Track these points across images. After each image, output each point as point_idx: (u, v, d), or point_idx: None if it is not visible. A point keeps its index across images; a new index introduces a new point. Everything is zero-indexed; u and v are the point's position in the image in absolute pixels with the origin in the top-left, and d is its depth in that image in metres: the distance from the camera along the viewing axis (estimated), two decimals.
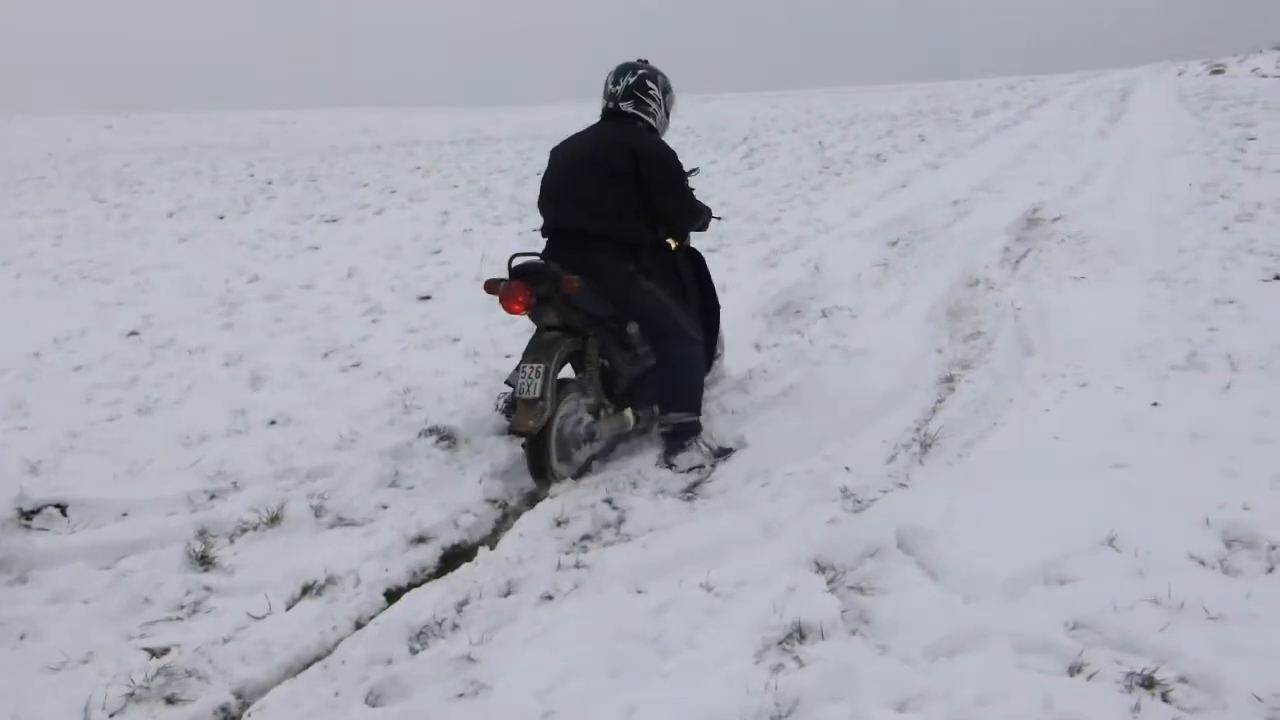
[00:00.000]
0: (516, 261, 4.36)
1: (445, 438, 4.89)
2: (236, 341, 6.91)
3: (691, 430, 4.65)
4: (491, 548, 3.79)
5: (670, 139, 4.88)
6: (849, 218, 9.82)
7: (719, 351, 5.51)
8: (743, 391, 5.29)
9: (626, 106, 4.61)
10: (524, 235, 10.28)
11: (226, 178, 18.60)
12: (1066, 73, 42.30)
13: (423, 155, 21.64)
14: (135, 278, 9.46)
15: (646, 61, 4.72)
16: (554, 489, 4.26)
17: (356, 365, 6.20)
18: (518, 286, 4.21)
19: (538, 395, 4.13)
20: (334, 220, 12.64)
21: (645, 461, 4.49)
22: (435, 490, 4.35)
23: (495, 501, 4.24)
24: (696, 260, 5.16)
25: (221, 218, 13.52)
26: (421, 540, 3.89)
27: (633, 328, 4.77)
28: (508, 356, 6.16)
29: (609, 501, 4.07)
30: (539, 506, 4.06)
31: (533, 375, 4.17)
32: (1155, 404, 4.63)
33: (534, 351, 4.29)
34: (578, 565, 3.58)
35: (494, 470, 4.45)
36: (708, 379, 5.41)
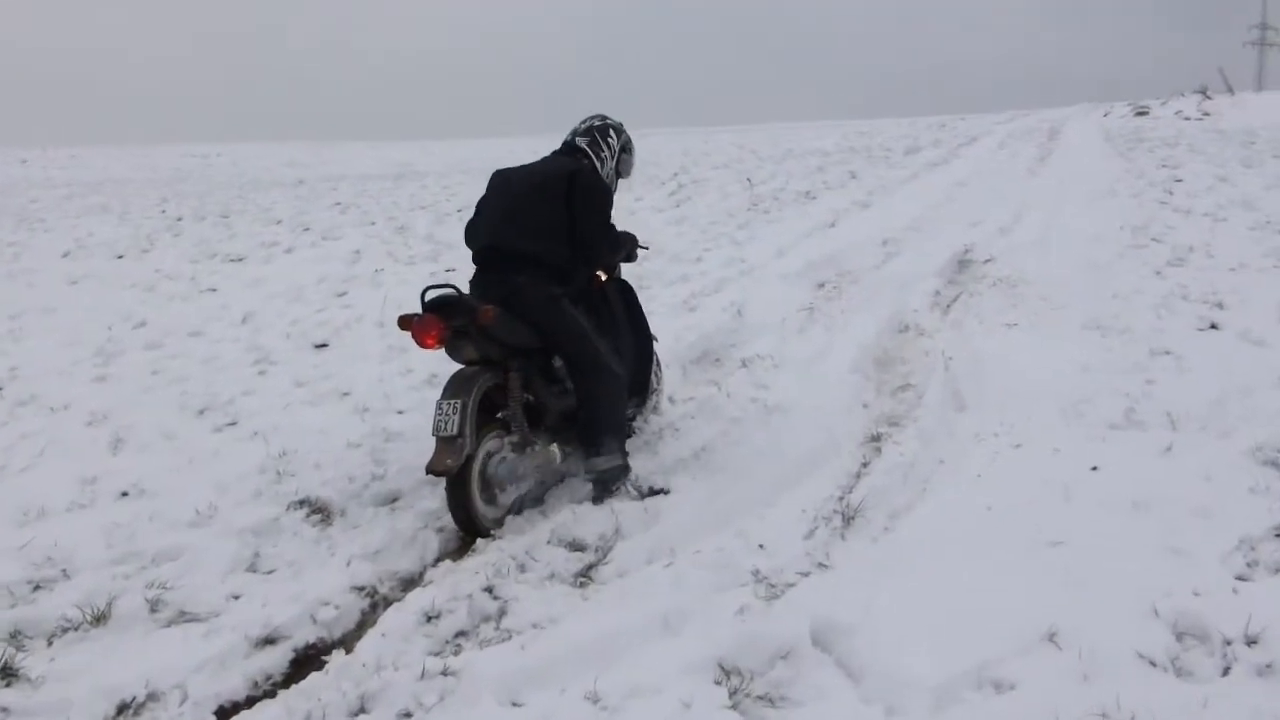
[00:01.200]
0: (430, 294, 4.13)
1: (317, 510, 4.37)
2: (105, 397, 6.30)
3: (619, 475, 4.40)
4: (348, 650, 3.27)
5: (630, 191, 4.77)
6: (775, 258, 9.47)
7: (655, 386, 5.21)
8: (651, 453, 4.84)
9: (581, 142, 4.74)
10: (436, 275, 9.78)
11: (135, 214, 17.83)
12: (996, 112, 42.95)
13: (345, 190, 21.06)
14: (11, 324, 8.79)
15: (621, 124, 4.89)
16: (429, 575, 3.76)
17: (232, 424, 5.64)
18: (430, 320, 4.01)
19: (455, 432, 3.88)
20: (239, 260, 12.02)
21: (536, 538, 4.00)
22: (297, 576, 3.82)
23: (363, 589, 3.71)
24: (626, 292, 5.00)
25: (120, 257, 12.83)
26: (270, 641, 3.35)
27: (558, 360, 4.54)
28: (400, 413, 5.65)
29: (489, 590, 3.57)
30: (409, 598, 3.55)
31: (450, 411, 3.93)
32: (1094, 468, 4.26)
33: (451, 387, 4.06)
34: (445, 672, 3.07)
35: (365, 551, 3.93)
36: (645, 416, 5.16)
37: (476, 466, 4.08)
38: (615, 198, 4.74)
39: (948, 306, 7.53)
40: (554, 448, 4.42)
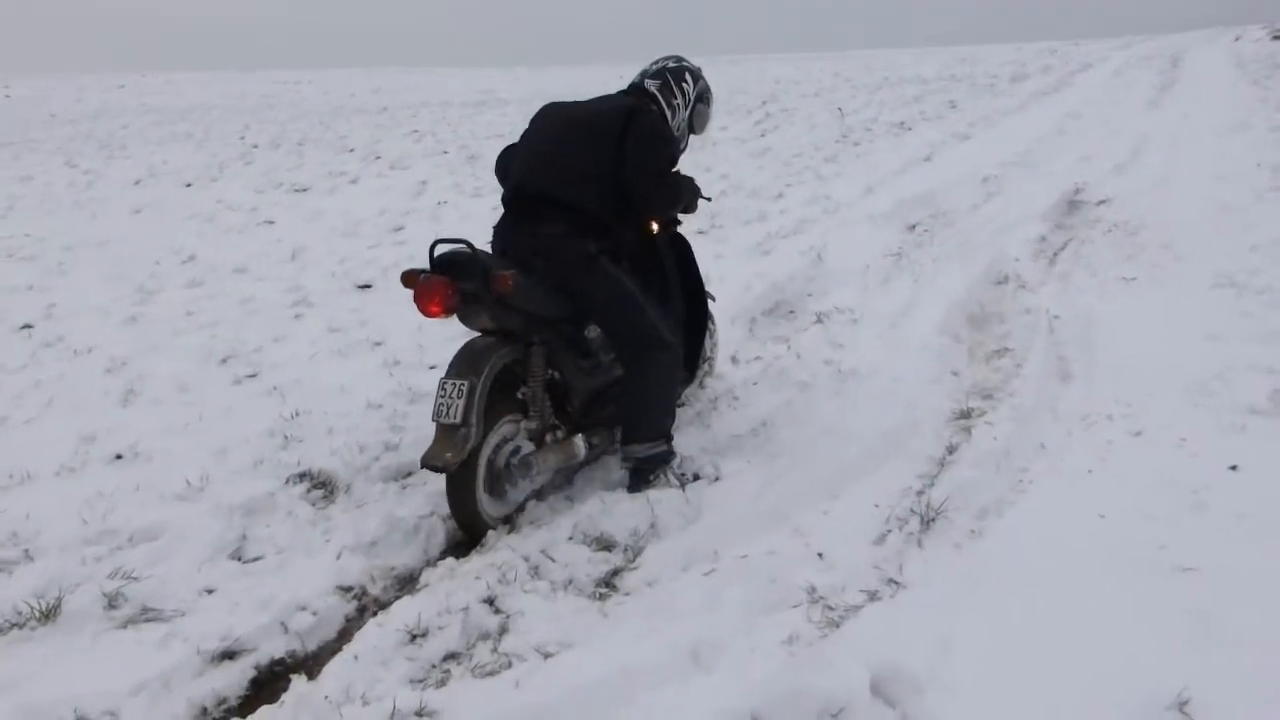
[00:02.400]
0: (439, 249, 3.41)
1: (319, 485, 3.88)
2: (132, 341, 5.91)
3: (659, 462, 3.78)
4: (311, 676, 2.76)
5: (702, 150, 4.02)
6: (863, 196, 8.67)
7: (707, 355, 4.52)
8: (703, 426, 4.23)
9: (650, 85, 4.03)
10: (497, 210, 9.20)
11: (214, 141, 17.65)
12: (1113, 37, 40.46)
13: (425, 118, 20.56)
14: (62, 256, 8.50)
15: (700, 69, 4.21)
16: (425, 576, 3.23)
17: (253, 376, 5.17)
18: (436, 283, 3.30)
19: (458, 420, 3.25)
20: (304, 190, 11.63)
21: (556, 532, 3.43)
22: (282, 567, 3.32)
23: (350, 590, 3.19)
24: (681, 248, 4.26)
25: (188, 185, 12.56)
26: (229, 656, 2.85)
27: (592, 331, 3.90)
28: (431, 368, 5.12)
29: (491, 602, 3.02)
30: (395, 608, 3.00)
31: (454, 394, 3.29)
32: (1233, 467, 3.53)
33: (459, 364, 3.40)
34: (421, 713, 2.54)
35: (360, 540, 3.41)
36: (692, 390, 4.49)
37: (483, 458, 3.44)
38: (684, 155, 4.03)
39: (1054, 256, 6.70)
40: (578, 439, 3.77)
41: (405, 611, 2.94)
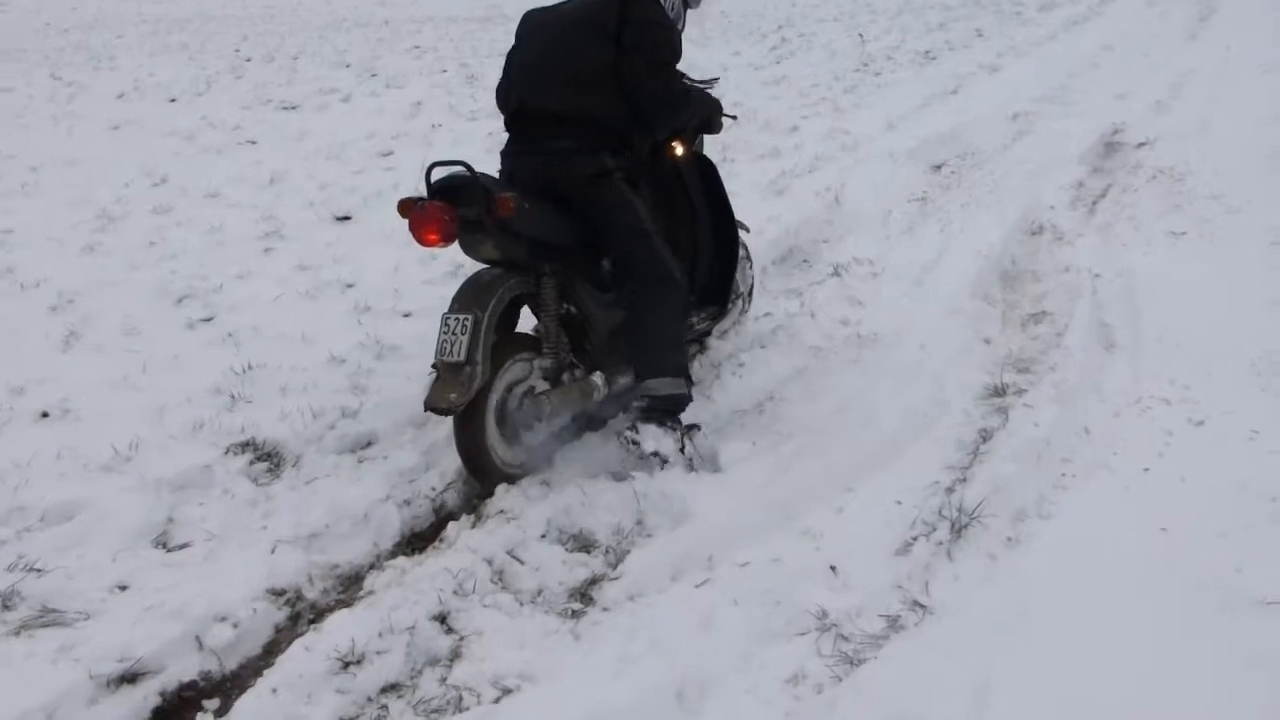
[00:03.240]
0: (436, 174, 3.12)
1: (265, 456, 3.42)
2: (85, 274, 5.41)
3: (677, 404, 3.40)
4: (225, 709, 2.32)
5: (699, 27, 3.48)
6: (884, 131, 8.06)
7: (739, 291, 4.15)
8: (703, 397, 3.74)
9: None
10: (492, 136, 8.64)
11: (208, 54, 16.90)
12: None
13: (428, 34, 19.73)
14: (27, 176, 7.94)
15: None
16: (371, 580, 2.78)
17: (208, 320, 4.68)
18: (433, 210, 3.03)
19: (462, 358, 3.00)
20: (292, 108, 11.00)
21: (528, 526, 2.96)
22: (209, 560, 2.88)
23: (283, 594, 2.75)
24: (707, 171, 3.92)
25: (172, 101, 11.92)
26: (129, 680, 2.41)
27: (610, 262, 3.58)
28: (406, 315, 4.63)
29: (443, 619, 2.57)
30: (327, 624, 2.56)
31: (457, 330, 3.04)
32: None
33: (462, 298, 3.16)
34: None
35: (300, 530, 2.96)
36: (725, 330, 4.17)
37: (494, 400, 3.18)
38: (686, 42, 3.59)
39: (1093, 204, 6.14)
40: (596, 377, 3.46)
41: (339, 631, 2.49)
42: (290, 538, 2.91)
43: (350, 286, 5.01)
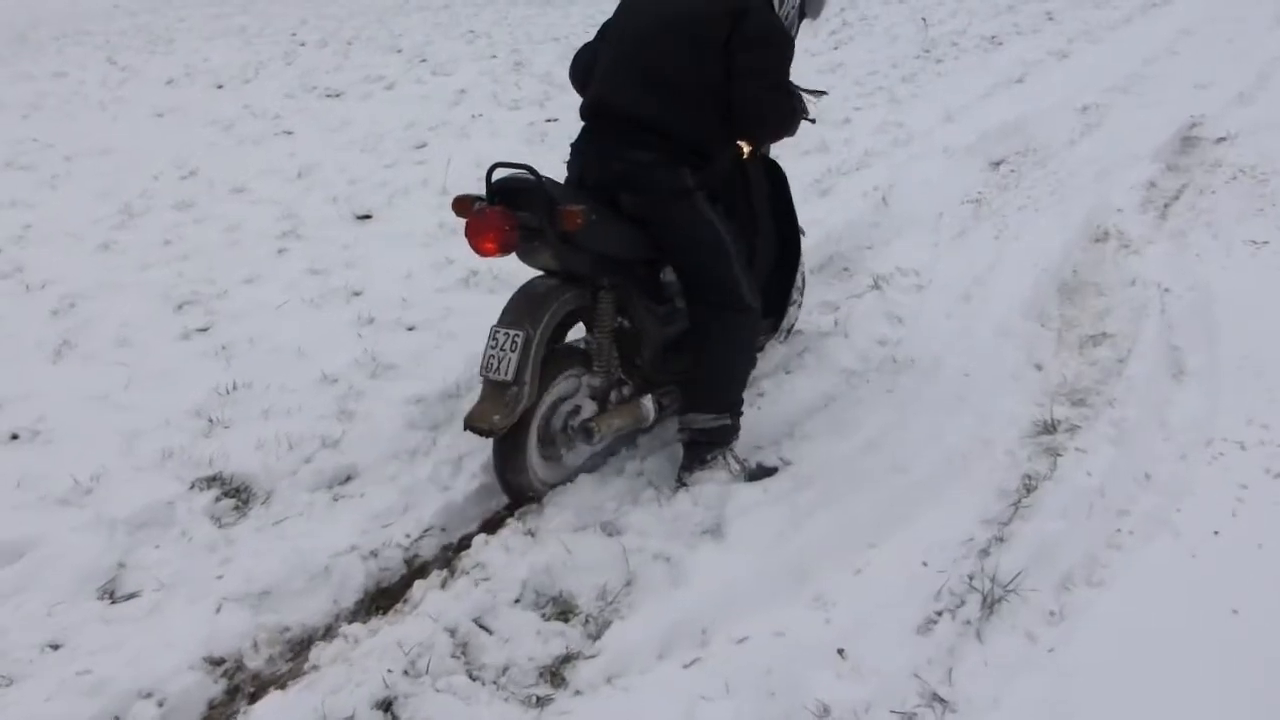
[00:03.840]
0: (497, 174, 2.90)
1: (233, 492, 3.15)
2: (94, 274, 5.22)
3: (722, 439, 3.19)
4: None
5: (815, 35, 3.24)
6: (942, 124, 7.57)
7: (795, 300, 3.86)
8: None
9: None
10: (533, 126, 8.35)
11: (265, 38, 16.84)
12: None
13: (487, 17, 19.48)
14: (59, 167, 7.84)
15: None
16: (317, 652, 2.48)
17: (204, 330, 4.44)
18: (493, 216, 2.80)
19: (509, 378, 2.81)
20: (336, 95, 10.80)
21: (502, 587, 2.64)
22: (153, 615, 2.62)
23: (221, 664, 2.46)
24: (775, 175, 3.68)
25: (219, 87, 11.82)
26: None
27: (668, 274, 3.35)
28: (410, 329, 4.34)
29: (386, 706, 2.26)
30: (257, 709, 2.27)
31: (507, 346, 2.84)
32: None
33: (514, 310, 2.94)
34: None
35: (247, 588, 2.66)
36: (778, 340, 3.88)
37: (537, 419, 3.01)
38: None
39: (1165, 207, 5.64)
40: (647, 401, 3.26)
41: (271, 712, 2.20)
42: (240, 594, 2.62)
43: (357, 295, 4.74)
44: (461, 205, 2.92)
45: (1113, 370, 3.73)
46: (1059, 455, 3.15)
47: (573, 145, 3.24)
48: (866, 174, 6.30)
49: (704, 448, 3.16)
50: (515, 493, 3.06)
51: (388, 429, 3.40)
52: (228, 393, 3.74)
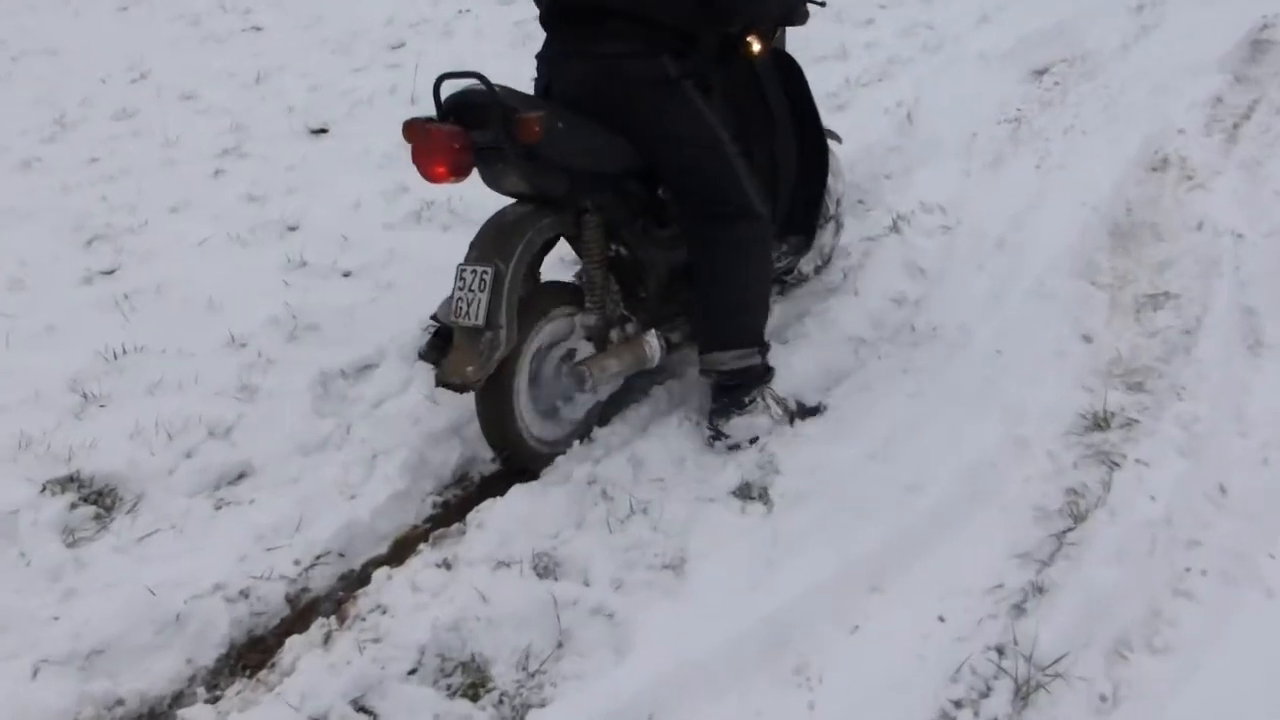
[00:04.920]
0: (446, 89, 2.47)
1: (94, 497, 2.58)
2: (9, 198, 4.60)
3: (754, 377, 2.75)
4: None
5: None
6: (976, 26, 6.73)
7: (829, 214, 3.48)
8: (684, 422, 2.79)
9: None
10: (522, 26, 7.55)
11: None
12: None
13: None
14: (9, 66, 7.16)
15: None
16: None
17: (109, 274, 3.83)
18: (439, 135, 2.41)
19: (481, 321, 2.40)
20: None
21: (392, 656, 2.06)
22: None
23: None
24: (791, 74, 3.19)
25: None
26: None
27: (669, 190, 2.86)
28: (345, 275, 3.73)
29: None
30: None
31: (475, 286, 2.43)
32: None
33: (480, 243, 2.54)
34: None
35: (78, 642, 2.10)
36: (813, 269, 3.53)
37: (524, 367, 2.61)
38: None
39: (1235, 128, 4.89)
40: (651, 337, 2.81)
41: None
42: (64, 655, 2.06)
43: (293, 230, 4.10)
44: (410, 128, 2.46)
45: (1177, 345, 3.08)
46: (1114, 466, 2.53)
47: (537, 56, 2.80)
48: (889, 86, 5.54)
49: (739, 390, 2.72)
50: (507, 456, 2.68)
51: (293, 414, 2.80)
52: (115, 358, 3.15)
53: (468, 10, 8.46)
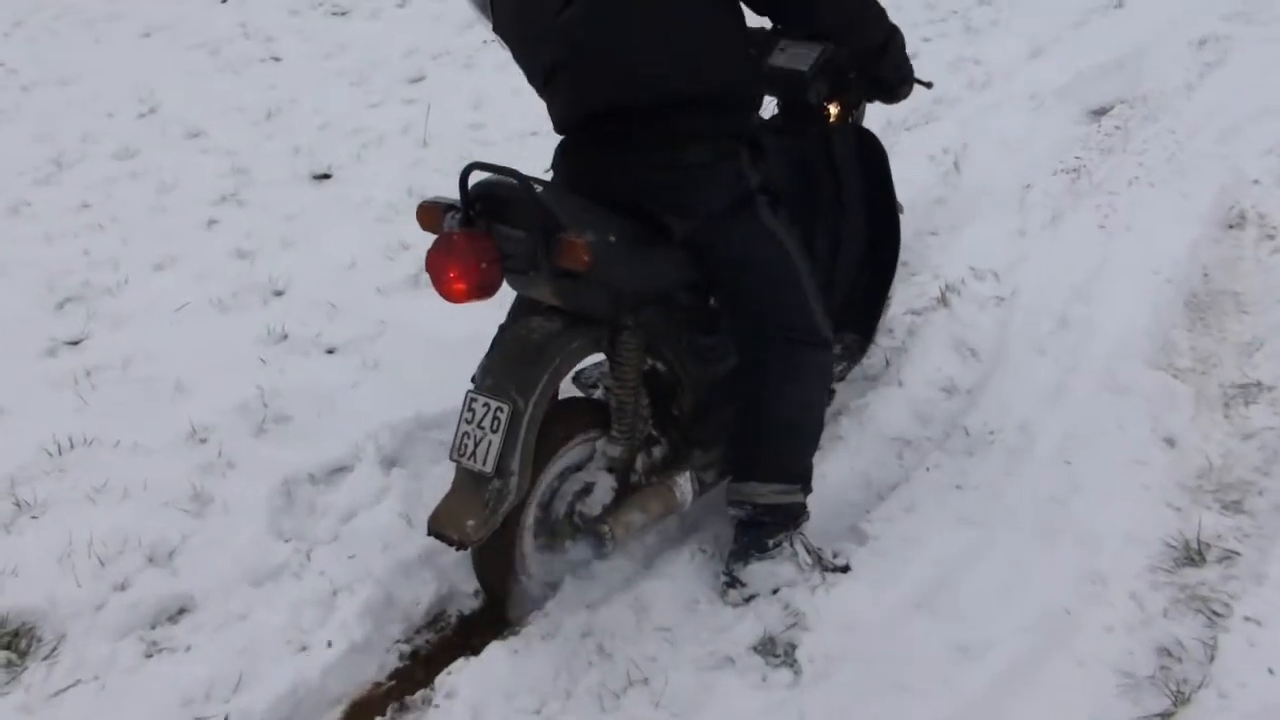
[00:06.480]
0: (475, 179, 2.03)
1: (9, 639, 2.23)
2: None
3: (788, 517, 2.35)
4: None
5: None
6: (1027, 60, 6.30)
7: (887, 304, 3.00)
8: (689, 560, 2.40)
9: None
10: None
11: None
12: None
13: None
14: (12, 100, 6.92)
15: None
16: None
17: (76, 344, 3.49)
18: (462, 243, 1.98)
19: (488, 468, 2.00)
20: (343, 13, 9.68)
21: None
22: None
23: None
24: (872, 151, 2.82)
25: (223, 1, 10.78)
26: None
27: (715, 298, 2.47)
28: (329, 352, 3.37)
29: None
30: None
31: (487, 423, 2.01)
32: None
33: (498, 367, 2.10)
34: None
35: None
36: (859, 363, 3.00)
37: (533, 508, 2.24)
38: None
39: None
40: (684, 480, 2.38)
41: None
42: None
43: (279, 295, 3.75)
44: (429, 215, 2.09)
45: (1277, 449, 2.65)
46: (1215, 618, 2.10)
47: (561, 149, 2.30)
48: (935, 129, 5.14)
49: (767, 529, 2.32)
50: (498, 600, 2.32)
51: (246, 533, 2.44)
52: (60, 453, 2.80)
53: (491, 40, 8.16)
